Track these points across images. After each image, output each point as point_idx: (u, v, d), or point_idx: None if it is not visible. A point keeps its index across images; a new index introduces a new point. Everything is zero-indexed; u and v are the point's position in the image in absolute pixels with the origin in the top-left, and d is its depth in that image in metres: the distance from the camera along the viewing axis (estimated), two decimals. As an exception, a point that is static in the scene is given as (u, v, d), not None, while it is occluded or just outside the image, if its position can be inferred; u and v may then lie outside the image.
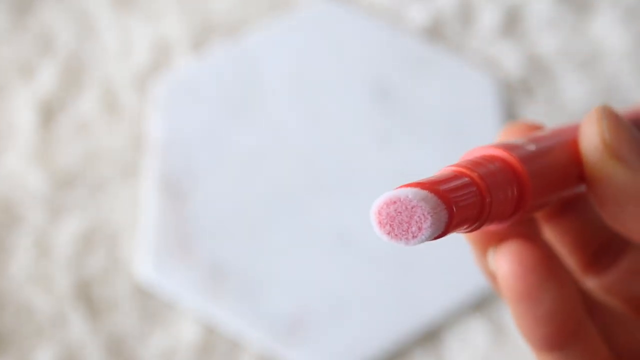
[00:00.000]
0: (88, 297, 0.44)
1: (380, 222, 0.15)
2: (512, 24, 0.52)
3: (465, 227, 0.16)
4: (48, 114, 0.49)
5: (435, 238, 0.15)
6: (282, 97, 0.49)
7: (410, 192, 0.15)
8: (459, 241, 0.47)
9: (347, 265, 0.45)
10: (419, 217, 0.15)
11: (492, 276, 0.19)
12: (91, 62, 0.50)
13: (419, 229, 0.15)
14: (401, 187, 0.15)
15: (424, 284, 0.45)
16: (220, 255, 0.45)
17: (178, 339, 0.44)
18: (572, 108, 0.50)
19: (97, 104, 0.49)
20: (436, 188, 0.15)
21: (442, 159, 0.48)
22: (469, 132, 0.48)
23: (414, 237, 0.15)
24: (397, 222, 0.15)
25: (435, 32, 0.52)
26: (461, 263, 0.46)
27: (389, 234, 0.15)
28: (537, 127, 0.21)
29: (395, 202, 0.15)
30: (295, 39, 0.51)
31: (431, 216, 0.14)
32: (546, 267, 0.18)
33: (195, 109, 0.49)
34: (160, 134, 0.48)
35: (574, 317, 0.18)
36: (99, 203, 0.47)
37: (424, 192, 0.15)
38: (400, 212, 0.15)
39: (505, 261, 0.18)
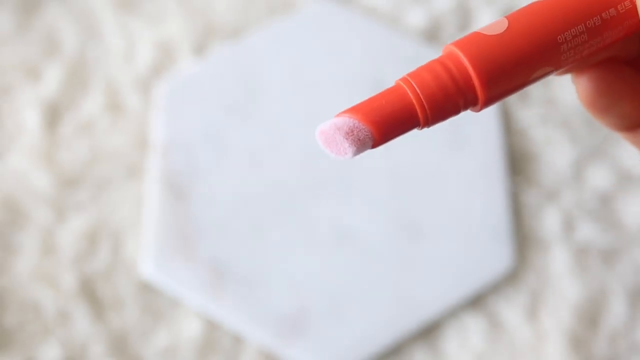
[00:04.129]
0: (92, 295, 0.44)
1: (323, 145, 0.19)
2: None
3: (410, 128, 0.19)
4: (53, 114, 0.49)
5: (373, 147, 0.19)
6: (282, 97, 0.49)
7: (330, 123, 0.19)
8: (456, 240, 0.48)
9: (346, 263, 0.46)
10: (340, 140, 0.18)
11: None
12: (95, 64, 0.50)
13: (345, 147, 0.18)
14: (336, 115, 0.19)
15: (422, 282, 0.45)
16: (222, 254, 0.45)
17: (180, 336, 0.44)
18: (567, 110, 0.50)
19: (102, 105, 0.49)
20: (357, 112, 0.18)
21: (440, 157, 0.48)
22: (466, 132, 0.49)
23: (345, 153, 0.19)
24: (333, 144, 0.19)
25: (433, 34, 0.52)
26: (459, 261, 0.46)
27: (331, 152, 0.19)
28: None
29: (323, 133, 0.19)
30: (295, 40, 0.51)
31: (349, 138, 0.18)
32: (611, 91, 0.21)
33: (197, 109, 0.49)
34: (163, 135, 0.48)
35: (638, 117, 0.22)
36: (103, 202, 0.47)
37: (341, 120, 0.19)
38: (331, 138, 0.19)
39: (580, 85, 0.21)
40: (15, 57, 0.50)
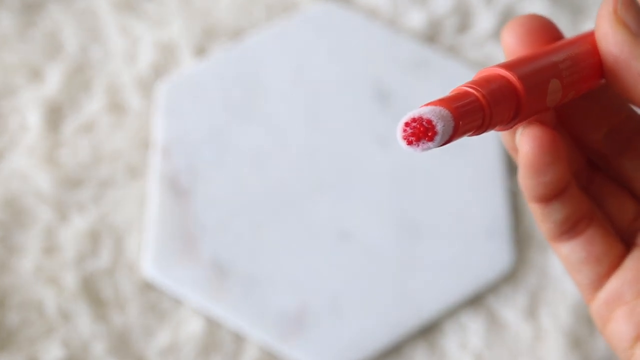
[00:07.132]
0: (94, 294, 0.44)
1: (404, 136, 0.20)
2: (508, 26, 0.53)
3: (470, 133, 0.21)
4: (55, 115, 0.49)
5: (445, 143, 0.20)
6: (283, 98, 0.49)
7: (429, 109, 0.20)
8: (456, 239, 0.48)
9: (347, 263, 0.46)
10: (433, 125, 0.19)
11: (514, 150, 0.25)
12: (97, 65, 0.50)
13: (434, 134, 0.19)
14: (422, 106, 0.20)
15: (422, 281, 0.45)
16: (223, 254, 0.45)
17: (182, 335, 0.44)
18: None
19: (103, 106, 0.49)
20: (448, 105, 0.20)
21: (440, 158, 0.48)
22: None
23: (429, 140, 0.19)
24: (416, 133, 0.20)
25: (433, 35, 0.52)
26: (458, 260, 0.46)
27: (410, 143, 0.20)
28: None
29: (416, 119, 0.20)
30: (296, 41, 0.51)
31: (442, 124, 0.19)
32: (554, 149, 0.23)
33: (199, 109, 0.49)
34: (164, 135, 0.48)
35: (563, 185, 0.24)
36: (105, 202, 0.47)
37: (439, 108, 0.20)
38: (419, 124, 0.20)
39: (527, 142, 0.23)
40: (17, 57, 0.50)
